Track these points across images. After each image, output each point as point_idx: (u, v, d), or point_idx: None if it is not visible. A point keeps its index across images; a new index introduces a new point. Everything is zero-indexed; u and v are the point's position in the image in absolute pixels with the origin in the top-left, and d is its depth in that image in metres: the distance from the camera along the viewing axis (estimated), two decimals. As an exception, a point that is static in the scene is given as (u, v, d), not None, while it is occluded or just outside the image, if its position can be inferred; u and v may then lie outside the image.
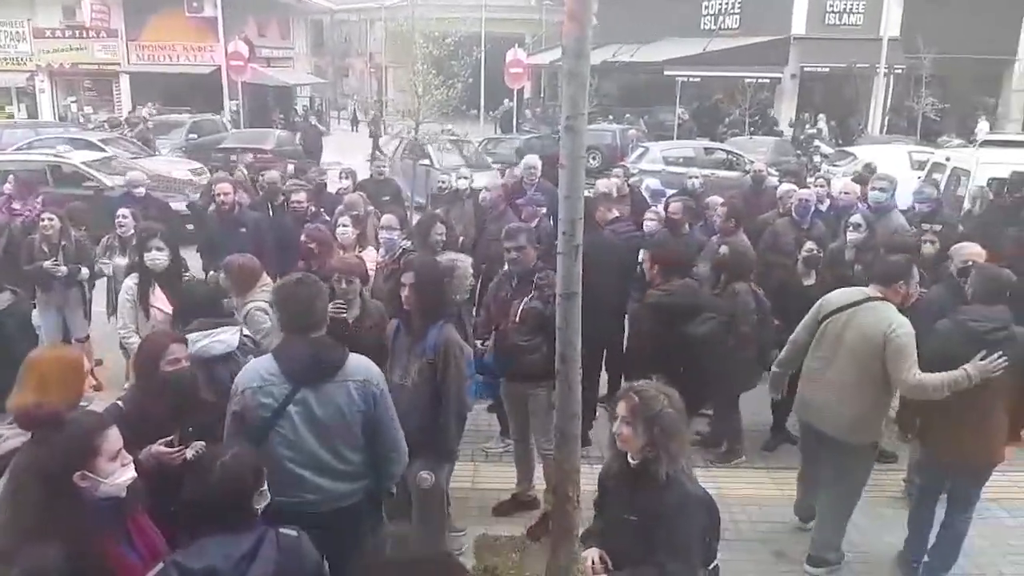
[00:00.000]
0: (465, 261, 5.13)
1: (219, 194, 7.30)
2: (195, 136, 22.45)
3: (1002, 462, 4.35)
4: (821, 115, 26.31)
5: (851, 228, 6.32)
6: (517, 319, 4.73)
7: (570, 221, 3.69)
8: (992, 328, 4.13)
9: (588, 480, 3.57)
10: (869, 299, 4.40)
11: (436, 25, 12.67)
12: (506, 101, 30.35)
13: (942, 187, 10.28)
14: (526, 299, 4.71)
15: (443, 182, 9.12)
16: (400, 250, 5.83)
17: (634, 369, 5.19)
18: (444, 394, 4.07)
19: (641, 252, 6.09)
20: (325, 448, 3.23)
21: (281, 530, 2.54)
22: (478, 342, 4.96)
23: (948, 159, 11.46)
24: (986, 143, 19.23)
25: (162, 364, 3.37)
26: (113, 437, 2.52)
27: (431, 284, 4.18)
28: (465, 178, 8.41)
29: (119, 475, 2.50)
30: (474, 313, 6.09)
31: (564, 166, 3.68)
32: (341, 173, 8.81)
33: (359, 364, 3.31)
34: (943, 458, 4.43)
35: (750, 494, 5.47)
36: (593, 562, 2.98)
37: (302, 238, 5.88)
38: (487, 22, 31.46)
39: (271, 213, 7.87)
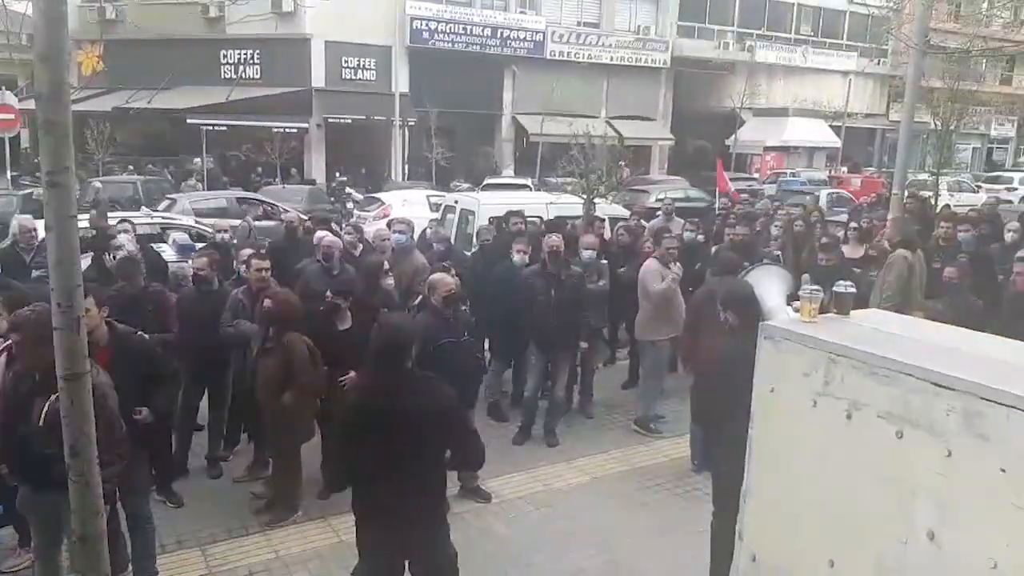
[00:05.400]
0: None
1: None
2: None
3: None
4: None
5: (385, 275, 6.67)
6: (41, 422, 3.89)
7: (66, 291, 3.19)
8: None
9: None
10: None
11: None
12: None
13: (454, 227, 11.57)
14: (52, 398, 3.69)
15: None
16: None
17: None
18: None
19: None
20: None
21: None
22: None
23: (457, 202, 12.94)
24: (487, 186, 22.34)
25: None
26: None
27: None
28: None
29: None
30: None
31: (51, 228, 3.19)
32: None
33: None
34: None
35: (310, 548, 5.36)
36: None
37: None
38: (-40, 60, 26.54)
39: None
